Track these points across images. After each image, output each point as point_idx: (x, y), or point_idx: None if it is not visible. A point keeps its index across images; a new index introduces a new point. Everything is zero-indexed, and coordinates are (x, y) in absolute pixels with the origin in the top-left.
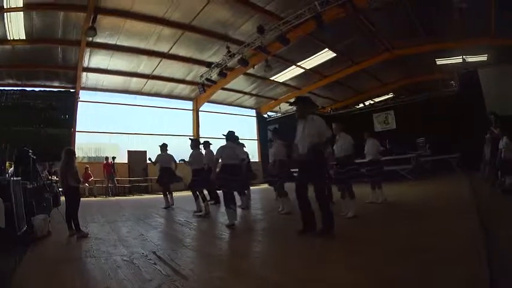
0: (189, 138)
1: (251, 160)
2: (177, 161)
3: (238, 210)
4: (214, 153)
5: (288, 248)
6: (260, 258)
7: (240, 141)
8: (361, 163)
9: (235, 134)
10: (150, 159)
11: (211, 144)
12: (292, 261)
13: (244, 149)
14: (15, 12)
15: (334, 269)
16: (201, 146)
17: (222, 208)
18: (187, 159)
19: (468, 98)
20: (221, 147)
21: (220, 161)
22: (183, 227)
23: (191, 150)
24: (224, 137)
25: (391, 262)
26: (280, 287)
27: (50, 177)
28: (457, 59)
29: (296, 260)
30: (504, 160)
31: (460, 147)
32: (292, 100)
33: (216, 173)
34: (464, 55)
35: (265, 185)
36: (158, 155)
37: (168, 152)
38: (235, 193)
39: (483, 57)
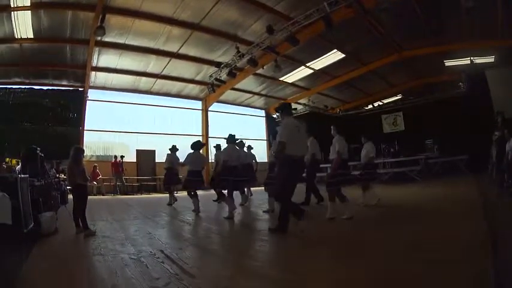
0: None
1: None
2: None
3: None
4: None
5: (293, 248)
6: (266, 257)
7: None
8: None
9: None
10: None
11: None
12: (296, 261)
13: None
14: (23, 11)
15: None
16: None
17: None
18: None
19: (476, 100)
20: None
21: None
22: (190, 226)
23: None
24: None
25: (393, 263)
26: (285, 286)
27: (57, 175)
28: (465, 61)
29: (301, 260)
30: (511, 162)
31: (468, 148)
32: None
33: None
34: (472, 56)
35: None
36: (167, 155)
37: (176, 153)
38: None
39: (490, 59)
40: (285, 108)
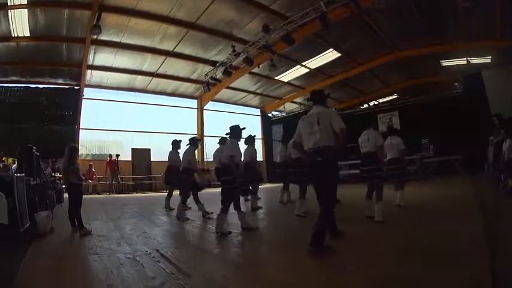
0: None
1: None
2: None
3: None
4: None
5: (291, 247)
6: (263, 257)
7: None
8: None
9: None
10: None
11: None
12: (294, 260)
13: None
14: (20, 9)
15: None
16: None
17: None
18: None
19: (472, 100)
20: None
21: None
22: (186, 225)
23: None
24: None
25: (396, 262)
26: (283, 286)
27: (53, 174)
28: (462, 61)
29: (299, 259)
30: (508, 162)
31: (464, 148)
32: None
33: None
34: (469, 57)
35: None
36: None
37: (179, 150)
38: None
39: (487, 59)
40: (311, 97)
